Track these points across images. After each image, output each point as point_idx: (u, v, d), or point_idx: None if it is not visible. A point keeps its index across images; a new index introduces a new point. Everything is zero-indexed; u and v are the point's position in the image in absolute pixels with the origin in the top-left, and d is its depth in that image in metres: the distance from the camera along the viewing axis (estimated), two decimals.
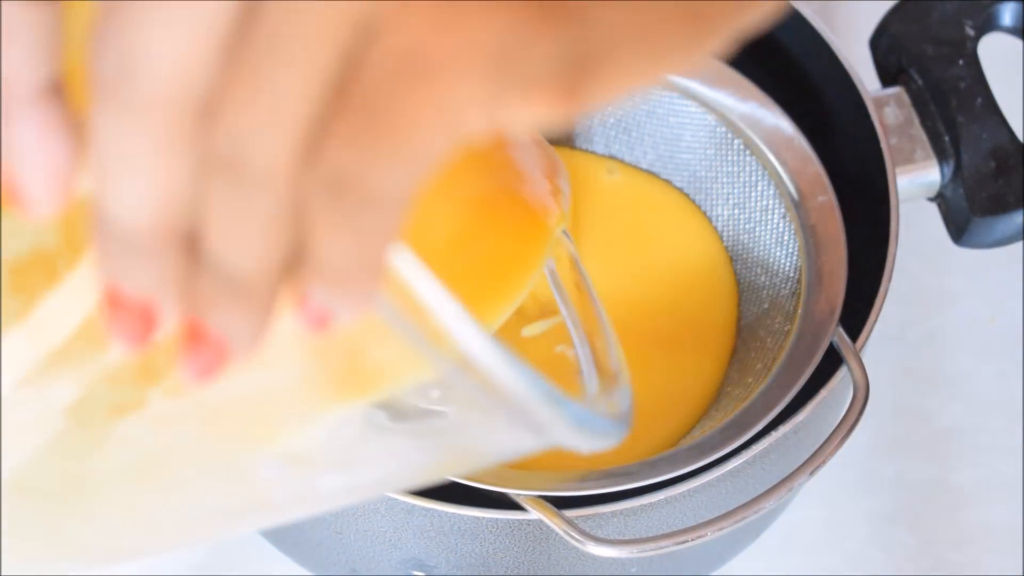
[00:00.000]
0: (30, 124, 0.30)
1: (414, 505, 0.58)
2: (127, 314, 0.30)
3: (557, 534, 0.56)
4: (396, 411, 0.35)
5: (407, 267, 0.31)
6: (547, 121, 0.30)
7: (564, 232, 0.59)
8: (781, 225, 0.65)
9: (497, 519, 0.58)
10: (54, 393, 0.34)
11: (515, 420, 0.32)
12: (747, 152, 0.66)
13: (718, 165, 0.67)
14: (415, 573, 0.62)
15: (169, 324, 0.31)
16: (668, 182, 0.69)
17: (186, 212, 0.29)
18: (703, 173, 0.68)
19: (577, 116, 0.31)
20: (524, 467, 0.59)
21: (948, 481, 0.72)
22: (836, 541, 0.70)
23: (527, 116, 0.30)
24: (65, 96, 0.30)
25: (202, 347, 0.31)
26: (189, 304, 0.30)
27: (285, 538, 0.67)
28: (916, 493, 0.72)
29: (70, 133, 0.30)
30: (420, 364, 0.32)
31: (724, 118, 0.66)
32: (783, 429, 0.58)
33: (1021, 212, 0.65)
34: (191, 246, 0.30)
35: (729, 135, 0.66)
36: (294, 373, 0.34)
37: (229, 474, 0.36)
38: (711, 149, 0.67)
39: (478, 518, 0.58)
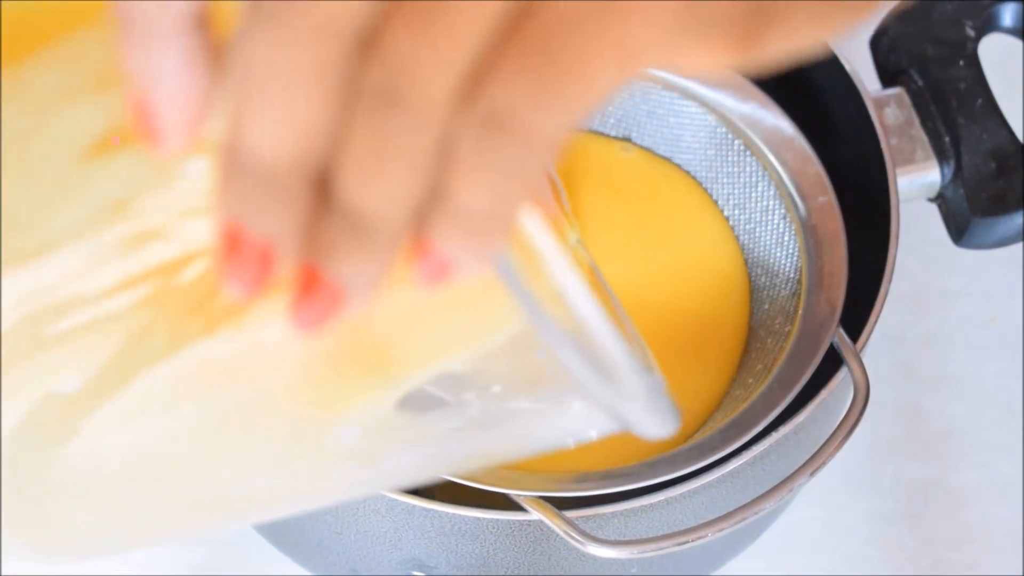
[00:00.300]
0: (173, 53, 0.29)
1: (414, 505, 0.58)
2: (245, 257, 0.29)
3: (557, 535, 0.56)
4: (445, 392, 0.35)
5: (531, 222, 0.31)
6: (715, 68, 0.30)
7: (578, 241, 0.59)
8: (781, 226, 0.65)
9: (497, 520, 0.58)
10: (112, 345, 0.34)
11: (600, 392, 0.32)
12: (747, 153, 0.66)
13: (718, 166, 0.67)
14: (415, 573, 0.62)
15: (286, 269, 0.30)
16: (688, 173, 0.68)
17: (323, 149, 0.29)
18: (703, 174, 0.68)
19: (745, 65, 0.31)
20: (525, 468, 0.59)
21: (948, 481, 0.72)
22: (836, 541, 0.70)
23: (700, 63, 0.30)
24: (209, 28, 0.29)
25: (315, 296, 0.30)
26: (310, 249, 0.30)
27: (285, 538, 0.67)
28: (916, 493, 0.72)
29: (211, 65, 0.29)
30: (505, 327, 0.32)
31: (724, 119, 0.66)
32: (783, 430, 0.58)
33: (1021, 213, 0.65)
34: (320, 187, 0.29)
35: (729, 136, 0.66)
36: (379, 331, 0.33)
37: (300, 441, 0.35)
38: (711, 150, 0.67)
39: (478, 519, 0.58)
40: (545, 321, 0.31)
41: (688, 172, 0.68)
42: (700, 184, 0.68)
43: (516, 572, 0.61)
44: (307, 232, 0.29)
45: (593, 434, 0.35)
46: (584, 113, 0.28)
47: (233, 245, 0.30)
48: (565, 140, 0.29)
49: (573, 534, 0.56)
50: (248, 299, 0.30)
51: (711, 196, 0.68)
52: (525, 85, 0.28)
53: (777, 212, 0.65)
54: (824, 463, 0.58)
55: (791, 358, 0.61)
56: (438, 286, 0.30)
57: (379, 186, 0.29)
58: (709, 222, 0.67)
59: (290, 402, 0.34)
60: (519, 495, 0.57)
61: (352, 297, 0.30)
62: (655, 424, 0.33)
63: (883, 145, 0.65)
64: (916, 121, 0.67)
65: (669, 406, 0.33)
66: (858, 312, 0.62)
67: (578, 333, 0.31)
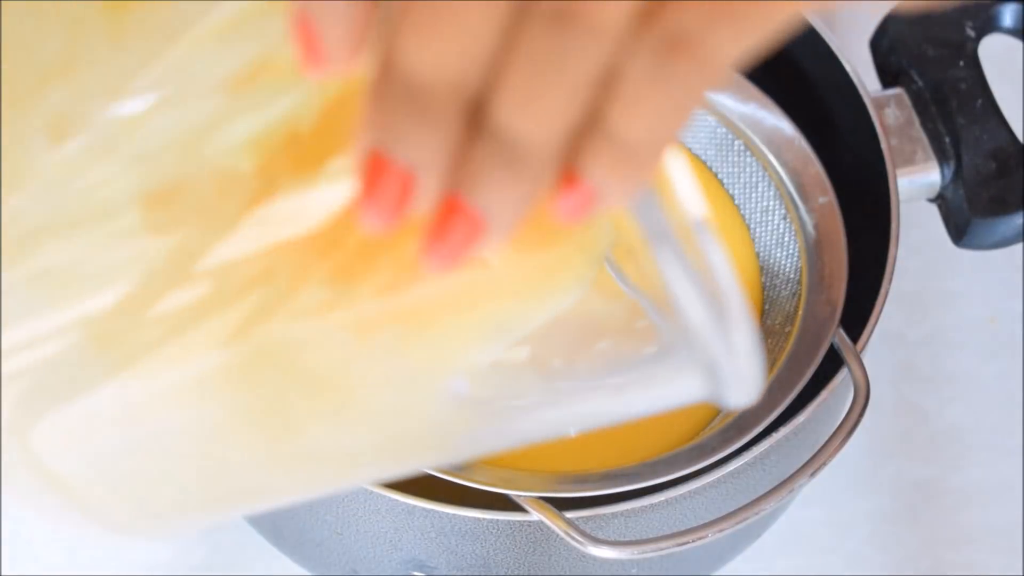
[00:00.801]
0: None
1: (415, 506, 0.58)
2: (387, 184, 0.29)
3: (558, 535, 0.56)
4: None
5: (672, 157, 0.31)
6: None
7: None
8: (782, 226, 0.65)
9: (498, 520, 0.58)
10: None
11: (713, 340, 0.32)
12: (747, 153, 0.66)
13: (718, 166, 0.67)
14: (415, 574, 0.63)
15: (428, 199, 0.29)
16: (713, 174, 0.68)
17: (484, 72, 0.28)
18: None
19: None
20: (525, 468, 0.59)
21: (948, 481, 0.72)
22: (836, 541, 0.70)
23: None
24: None
25: (454, 228, 0.29)
26: (454, 178, 0.29)
27: (286, 538, 0.67)
28: (916, 493, 0.72)
29: None
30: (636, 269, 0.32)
31: (724, 119, 0.66)
32: (784, 431, 0.58)
33: (1021, 213, 0.65)
34: (471, 113, 0.29)
35: (729, 136, 0.66)
36: (498, 275, 0.33)
37: (412, 391, 0.35)
38: (711, 150, 0.67)
39: (479, 519, 0.58)
40: (678, 257, 0.31)
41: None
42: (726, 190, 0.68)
43: (516, 572, 0.61)
44: (452, 161, 0.29)
45: (657, 408, 0.35)
46: (760, 40, 0.28)
47: (375, 173, 0.29)
48: (734, 63, 0.29)
49: (573, 535, 0.56)
50: (384, 231, 0.29)
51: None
52: (706, 9, 0.28)
53: (777, 212, 0.65)
54: (824, 463, 0.58)
55: (791, 358, 0.61)
56: (578, 219, 0.30)
57: (539, 109, 0.28)
58: (730, 224, 0.67)
59: (403, 351, 0.34)
60: (519, 495, 0.57)
61: (492, 230, 0.29)
62: (748, 385, 0.33)
63: (883, 145, 0.65)
64: (916, 121, 0.67)
65: (762, 371, 0.33)
66: (858, 312, 0.62)
67: (703, 276, 0.31)
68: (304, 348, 0.33)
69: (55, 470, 0.34)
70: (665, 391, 0.35)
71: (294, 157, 0.32)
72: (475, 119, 0.29)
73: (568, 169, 0.29)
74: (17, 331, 0.32)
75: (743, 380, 0.33)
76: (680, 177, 0.31)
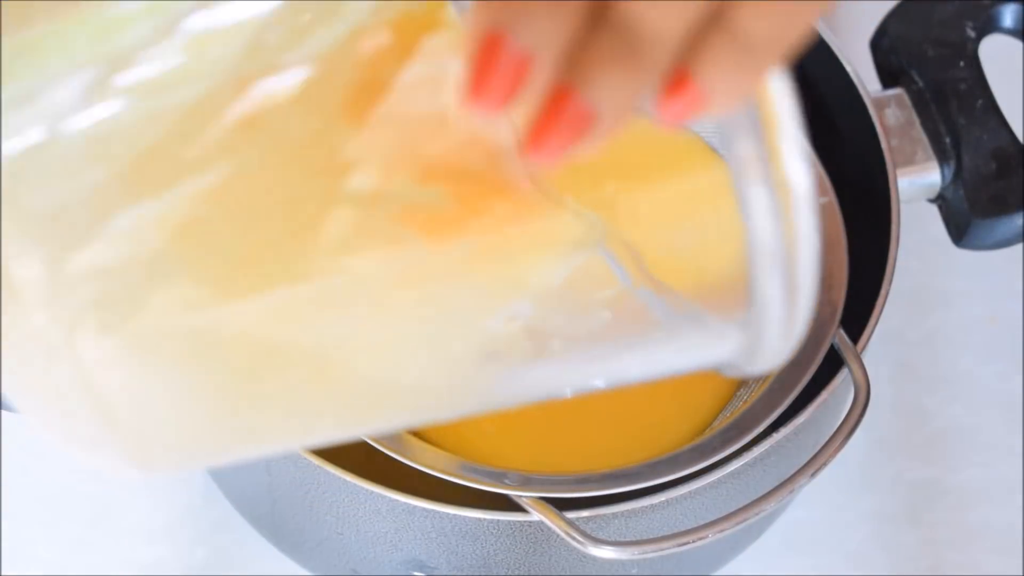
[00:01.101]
0: None
1: (415, 506, 0.58)
2: (501, 67, 0.28)
3: (558, 535, 0.56)
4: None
5: (777, 79, 0.31)
6: None
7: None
8: None
9: (498, 520, 0.58)
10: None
11: (779, 277, 0.31)
12: None
13: None
14: (416, 574, 0.63)
15: (539, 88, 0.28)
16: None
17: None
18: None
19: None
20: (525, 469, 0.59)
21: (948, 481, 0.72)
22: (836, 541, 0.70)
23: None
24: None
25: (562, 121, 0.29)
26: (567, 70, 0.28)
27: (285, 538, 0.67)
28: (916, 493, 0.72)
29: None
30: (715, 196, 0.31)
31: None
32: (784, 431, 0.58)
33: (1021, 214, 0.65)
34: (594, 5, 0.28)
35: None
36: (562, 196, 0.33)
37: (474, 308, 0.34)
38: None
39: (479, 519, 0.58)
40: (764, 182, 0.30)
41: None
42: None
43: (517, 573, 0.61)
44: (569, 50, 0.28)
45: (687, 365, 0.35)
46: None
47: (489, 54, 0.28)
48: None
49: (574, 535, 0.56)
50: (488, 117, 0.29)
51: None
52: None
53: None
54: (825, 464, 0.58)
55: (791, 359, 0.61)
56: (681, 122, 0.29)
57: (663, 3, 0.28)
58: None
59: (471, 267, 0.33)
60: (520, 496, 0.57)
61: (598, 127, 0.29)
62: (786, 341, 0.33)
63: (883, 146, 0.65)
64: (916, 122, 0.67)
65: (806, 324, 0.33)
66: (858, 312, 0.62)
67: (783, 205, 0.31)
68: (374, 256, 0.33)
69: (98, 381, 0.33)
70: (690, 348, 0.34)
71: (399, 42, 0.32)
72: (596, 12, 0.28)
73: (679, 71, 0.29)
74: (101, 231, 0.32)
75: (789, 325, 0.32)
76: (782, 104, 0.31)
